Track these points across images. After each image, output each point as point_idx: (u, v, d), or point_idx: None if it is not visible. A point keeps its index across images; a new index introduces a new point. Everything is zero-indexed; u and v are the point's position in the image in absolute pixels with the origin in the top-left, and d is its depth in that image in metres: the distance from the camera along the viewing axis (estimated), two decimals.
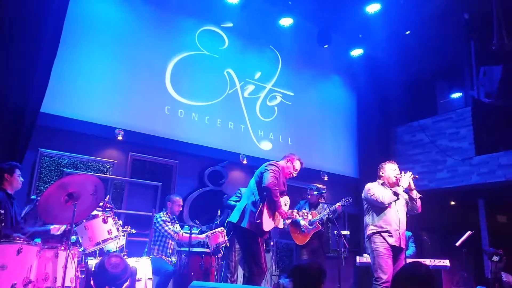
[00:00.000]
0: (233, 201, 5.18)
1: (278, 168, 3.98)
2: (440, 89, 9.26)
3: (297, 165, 4.22)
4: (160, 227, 4.86)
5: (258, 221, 3.76)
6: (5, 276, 2.99)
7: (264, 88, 7.79)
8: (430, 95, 9.23)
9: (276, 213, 3.91)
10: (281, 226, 4.11)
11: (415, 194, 4.25)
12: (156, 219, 4.92)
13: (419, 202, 4.26)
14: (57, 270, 3.35)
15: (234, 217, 3.92)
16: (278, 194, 3.84)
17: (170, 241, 4.89)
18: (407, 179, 4.16)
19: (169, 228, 4.86)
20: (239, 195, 5.23)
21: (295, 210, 4.26)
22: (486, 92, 7.20)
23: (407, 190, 4.21)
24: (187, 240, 4.62)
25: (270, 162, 4.03)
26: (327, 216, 5.62)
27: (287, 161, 4.19)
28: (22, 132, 4.85)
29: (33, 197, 4.77)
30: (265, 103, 7.76)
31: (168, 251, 4.89)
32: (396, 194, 4.09)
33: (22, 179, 3.96)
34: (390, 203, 4.09)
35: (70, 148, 5.67)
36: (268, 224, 3.85)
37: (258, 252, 3.78)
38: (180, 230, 4.94)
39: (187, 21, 7.04)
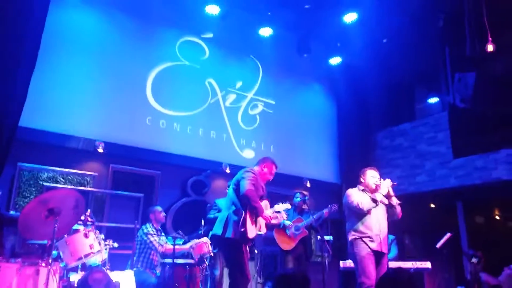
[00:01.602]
0: (212, 214, 5.17)
1: (254, 174, 3.98)
2: (418, 95, 9.48)
3: (274, 170, 4.24)
4: (146, 239, 4.82)
5: (242, 229, 3.76)
6: None
7: (245, 97, 7.84)
8: (408, 101, 9.43)
9: (259, 219, 3.92)
10: (264, 231, 4.10)
11: (395, 200, 4.32)
12: (142, 231, 4.89)
13: (398, 208, 4.34)
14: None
15: (217, 230, 3.87)
16: (258, 200, 3.86)
17: (154, 253, 4.85)
18: (385, 186, 4.23)
19: (154, 240, 4.83)
20: (216, 207, 5.23)
21: (274, 212, 4.19)
22: (461, 98, 7.44)
23: (387, 197, 4.28)
24: (170, 251, 4.60)
25: (246, 169, 4.00)
26: (312, 222, 5.66)
27: (264, 167, 4.16)
28: (0, 147, 4.76)
29: (12, 212, 4.68)
30: (247, 111, 7.81)
31: (153, 263, 4.85)
32: (374, 201, 4.16)
33: (0, 192, 3.92)
34: (370, 209, 4.15)
35: (50, 162, 5.59)
36: (252, 231, 3.86)
37: (242, 261, 3.79)
38: (166, 242, 4.91)
39: (167, 32, 7.06)
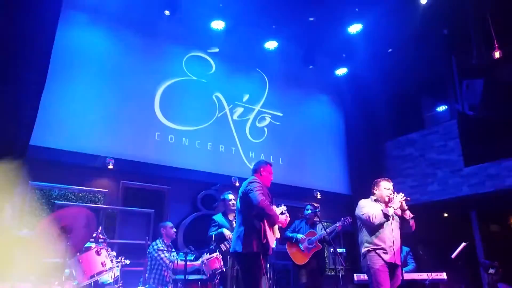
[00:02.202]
0: (214, 231, 5.11)
1: (259, 183, 3.95)
2: (425, 104, 9.43)
3: (271, 169, 4.20)
4: (156, 255, 4.80)
5: (264, 240, 3.75)
6: None
7: (253, 110, 7.86)
8: (416, 110, 9.38)
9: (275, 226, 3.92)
10: (278, 235, 4.08)
11: (408, 214, 4.25)
12: (152, 247, 4.87)
13: (412, 221, 4.27)
14: None
15: (237, 246, 3.79)
16: (272, 207, 3.85)
17: (165, 269, 4.82)
18: (398, 200, 4.16)
19: (165, 257, 4.81)
20: (216, 224, 5.18)
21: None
22: (470, 105, 7.39)
23: (401, 210, 4.22)
24: (183, 268, 4.58)
25: (250, 180, 3.96)
26: (325, 235, 5.61)
27: (262, 171, 4.12)
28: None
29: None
30: (255, 124, 7.82)
31: (164, 279, 4.82)
32: (386, 216, 4.09)
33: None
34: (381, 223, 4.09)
35: (61, 180, 5.63)
36: (272, 239, 3.88)
37: (260, 277, 3.75)
38: (176, 259, 4.88)
39: (173, 48, 7.14)
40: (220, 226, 5.09)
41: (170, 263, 4.79)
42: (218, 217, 5.26)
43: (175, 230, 5.24)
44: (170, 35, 7.09)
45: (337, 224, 5.76)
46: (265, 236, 3.76)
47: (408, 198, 4.23)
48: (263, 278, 3.82)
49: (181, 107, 6.96)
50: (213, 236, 5.06)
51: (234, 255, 3.95)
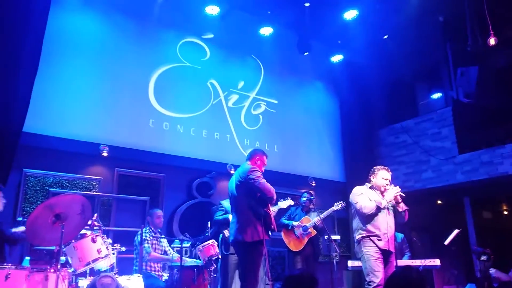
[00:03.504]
0: (220, 215, 5.11)
1: (259, 170, 3.96)
2: (420, 91, 9.44)
3: (266, 161, 4.21)
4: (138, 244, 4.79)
5: (272, 226, 3.85)
6: None
7: (248, 97, 7.82)
8: (411, 97, 9.39)
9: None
10: None
11: (402, 207, 4.26)
12: (144, 235, 4.87)
13: (405, 213, 4.30)
14: None
15: (239, 236, 3.76)
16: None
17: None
18: (392, 194, 4.17)
19: (144, 246, 4.75)
20: (223, 209, 5.16)
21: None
22: (465, 92, 7.40)
23: (395, 203, 4.24)
24: (158, 259, 4.82)
25: (250, 169, 3.90)
26: (319, 221, 5.66)
27: (257, 160, 4.12)
28: (5, 153, 4.77)
29: (19, 218, 4.69)
30: (250, 111, 7.79)
31: (157, 265, 4.84)
32: (378, 208, 4.11)
33: (4, 201, 3.93)
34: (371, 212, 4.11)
35: (55, 167, 5.59)
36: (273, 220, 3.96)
37: (259, 264, 3.80)
38: (151, 250, 4.84)
39: (168, 33, 7.05)
40: (227, 212, 5.09)
41: (146, 254, 4.73)
42: (226, 203, 5.25)
43: (162, 219, 5.19)
44: (164, 21, 6.98)
45: (332, 209, 5.83)
46: (273, 221, 3.85)
47: (403, 194, 4.23)
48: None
49: (175, 94, 6.90)
50: (209, 222, 5.07)
51: (236, 244, 3.91)
